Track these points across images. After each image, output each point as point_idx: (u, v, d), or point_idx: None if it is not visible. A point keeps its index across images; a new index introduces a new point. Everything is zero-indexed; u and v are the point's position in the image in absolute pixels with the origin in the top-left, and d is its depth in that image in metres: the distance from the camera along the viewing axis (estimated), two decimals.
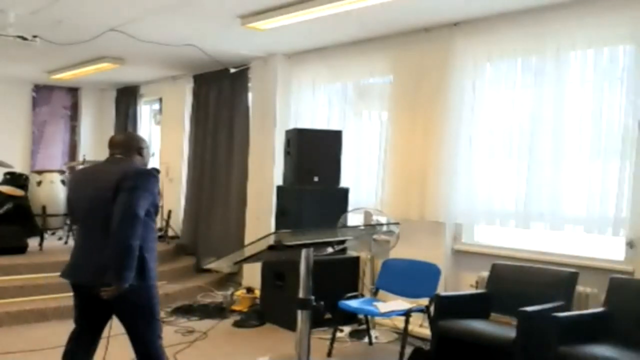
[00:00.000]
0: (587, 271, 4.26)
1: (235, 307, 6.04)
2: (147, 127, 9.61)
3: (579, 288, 4.23)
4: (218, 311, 5.95)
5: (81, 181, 3.38)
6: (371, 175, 5.94)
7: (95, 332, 3.37)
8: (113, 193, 3.05)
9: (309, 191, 5.60)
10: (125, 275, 2.95)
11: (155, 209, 3.23)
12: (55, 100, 9.92)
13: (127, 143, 3.38)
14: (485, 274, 4.70)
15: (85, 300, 3.28)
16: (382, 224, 5.30)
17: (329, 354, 4.77)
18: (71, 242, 7.27)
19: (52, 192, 7.49)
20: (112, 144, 3.38)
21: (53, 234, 7.77)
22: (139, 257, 3.04)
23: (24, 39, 5.39)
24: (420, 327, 5.05)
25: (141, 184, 3.09)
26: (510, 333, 3.86)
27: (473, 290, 4.84)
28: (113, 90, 9.77)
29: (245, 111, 7.21)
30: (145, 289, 3.14)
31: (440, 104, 5.15)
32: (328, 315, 4.59)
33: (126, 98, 9.53)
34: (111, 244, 2.99)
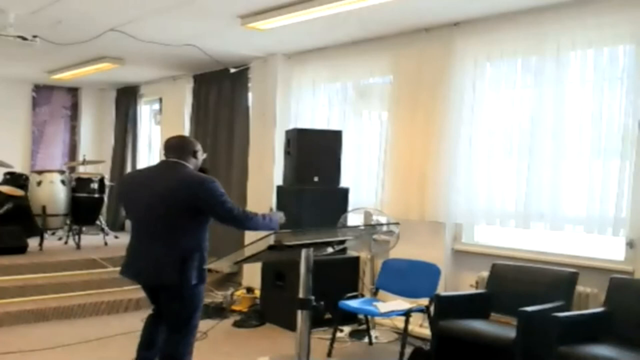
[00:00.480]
0: (587, 271, 4.26)
1: (235, 307, 6.03)
2: (147, 127, 9.61)
3: (579, 288, 4.23)
4: (218, 311, 5.94)
5: (135, 184, 3.55)
6: (371, 175, 5.94)
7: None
8: (173, 201, 3.28)
9: (309, 191, 5.60)
10: None
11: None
12: (55, 100, 9.92)
13: (181, 146, 3.53)
14: (485, 274, 4.70)
15: (149, 290, 3.64)
16: (382, 224, 5.30)
17: (329, 354, 4.77)
18: (71, 242, 7.29)
19: (52, 192, 7.48)
20: (167, 147, 3.54)
21: (53, 234, 7.77)
22: (201, 257, 3.38)
23: (24, 39, 5.39)
24: (420, 327, 5.05)
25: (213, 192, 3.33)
26: (510, 333, 3.86)
27: (473, 290, 4.84)
28: (113, 90, 9.77)
29: (245, 111, 7.21)
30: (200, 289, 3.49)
31: (440, 104, 5.15)
32: (328, 315, 4.59)
33: (126, 98, 9.53)
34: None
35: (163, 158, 3.54)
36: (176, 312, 3.43)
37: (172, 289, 3.36)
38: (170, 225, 3.30)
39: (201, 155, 3.62)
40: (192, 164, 3.50)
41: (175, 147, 3.52)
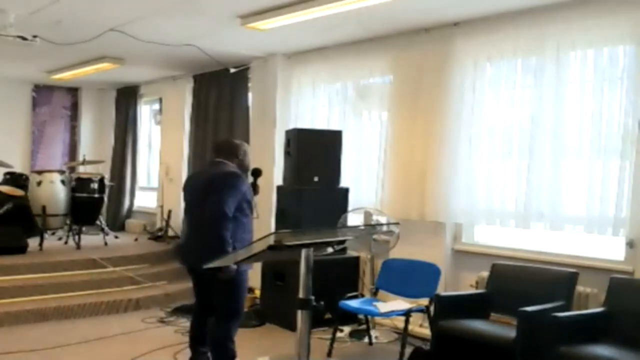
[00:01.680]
0: (587, 271, 4.26)
1: None
2: (147, 127, 9.61)
3: (579, 288, 4.23)
4: None
5: (190, 182, 4.14)
6: (371, 175, 5.94)
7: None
8: (203, 194, 3.69)
9: (309, 191, 5.59)
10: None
11: (247, 204, 3.76)
12: (55, 100, 9.92)
13: (224, 148, 3.97)
14: (485, 274, 4.70)
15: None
16: (382, 224, 5.30)
17: (329, 354, 4.77)
18: (71, 242, 7.28)
19: (52, 192, 7.48)
20: (213, 149, 4.07)
21: (53, 234, 7.77)
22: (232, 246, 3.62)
23: (24, 39, 5.39)
24: (420, 327, 5.06)
25: (227, 184, 3.67)
26: (510, 333, 3.86)
27: (473, 290, 4.84)
28: (113, 90, 9.77)
29: (245, 111, 7.21)
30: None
31: (440, 104, 5.15)
32: (328, 315, 4.59)
33: (126, 98, 9.53)
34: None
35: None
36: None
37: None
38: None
39: (245, 155, 3.96)
40: (235, 164, 3.88)
41: (219, 148, 3.99)
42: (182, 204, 8.48)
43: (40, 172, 7.75)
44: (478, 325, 4.16)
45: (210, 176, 3.80)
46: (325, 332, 5.08)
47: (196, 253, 3.69)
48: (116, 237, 8.03)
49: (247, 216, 3.79)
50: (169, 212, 8.00)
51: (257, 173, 4.17)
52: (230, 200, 3.63)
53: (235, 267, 3.60)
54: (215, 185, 3.69)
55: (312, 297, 2.82)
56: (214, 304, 3.90)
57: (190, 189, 3.98)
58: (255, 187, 4.08)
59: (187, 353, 4.72)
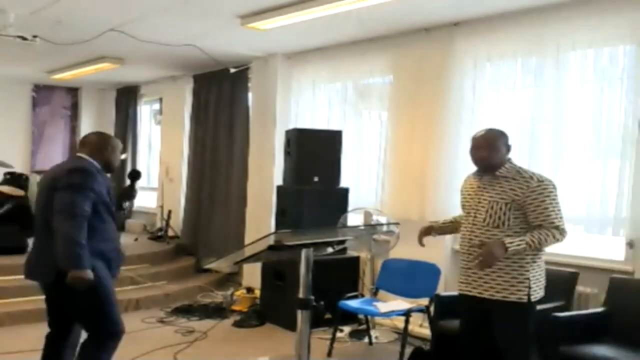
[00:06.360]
0: (587, 271, 4.26)
1: (235, 307, 6.03)
2: (147, 127, 9.61)
3: (579, 288, 4.23)
4: (218, 311, 5.94)
5: (40, 182, 3.46)
6: (371, 175, 5.94)
7: None
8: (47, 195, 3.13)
9: (309, 191, 5.59)
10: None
11: (104, 207, 3.20)
12: (55, 100, 9.92)
13: (89, 141, 3.38)
14: None
15: None
16: (382, 224, 5.30)
17: (329, 354, 4.77)
18: None
19: None
20: (79, 142, 3.42)
21: None
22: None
23: (24, 39, 5.39)
24: (420, 327, 5.05)
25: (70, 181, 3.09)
26: None
27: None
28: (113, 90, 9.77)
29: (245, 111, 7.21)
30: None
31: (440, 104, 5.14)
32: (328, 315, 4.59)
33: (126, 98, 9.53)
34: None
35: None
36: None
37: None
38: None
39: (112, 152, 3.37)
40: (98, 160, 3.29)
41: (85, 141, 3.40)
42: (183, 204, 8.50)
43: (40, 172, 7.74)
44: None
45: (54, 173, 3.23)
46: (325, 332, 5.08)
47: (39, 264, 3.18)
48: None
49: (104, 222, 3.19)
50: (169, 212, 7.99)
51: (135, 175, 3.67)
52: (79, 198, 3.03)
53: (90, 271, 2.99)
54: (57, 182, 3.09)
55: (312, 297, 2.83)
56: (72, 326, 3.31)
57: (38, 189, 3.34)
58: (131, 191, 3.62)
59: (187, 353, 4.74)
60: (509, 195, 3.21)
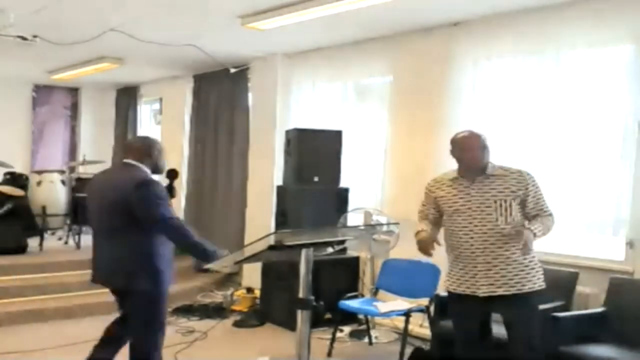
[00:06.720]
0: (587, 271, 4.26)
1: (235, 307, 6.04)
2: (147, 127, 9.60)
3: (579, 288, 4.22)
4: (218, 311, 5.95)
5: (93, 188, 3.51)
6: (371, 175, 5.94)
7: None
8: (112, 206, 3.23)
9: (309, 191, 5.59)
10: None
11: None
12: (55, 100, 9.92)
13: (135, 146, 3.44)
14: None
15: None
16: (382, 224, 5.30)
17: (329, 354, 4.77)
18: (71, 242, 7.28)
19: (52, 192, 7.48)
20: (123, 148, 3.51)
21: (53, 234, 7.77)
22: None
23: (24, 39, 5.39)
24: (420, 327, 5.04)
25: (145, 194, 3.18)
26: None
27: None
28: (113, 90, 9.77)
29: (245, 111, 7.21)
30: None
31: (440, 104, 5.14)
32: (328, 315, 4.59)
33: (126, 98, 9.53)
34: None
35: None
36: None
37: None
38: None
39: (159, 155, 3.43)
40: (148, 165, 3.36)
41: (130, 147, 3.47)
42: (183, 204, 8.49)
43: (40, 172, 7.76)
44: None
45: (112, 185, 3.29)
46: (325, 332, 5.07)
47: (110, 270, 3.37)
48: None
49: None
50: None
51: (173, 175, 3.74)
52: (163, 210, 3.25)
53: (217, 249, 3.27)
54: (124, 195, 3.16)
55: (312, 297, 2.83)
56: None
57: (94, 196, 3.41)
58: (171, 190, 3.64)
59: (187, 353, 4.74)
60: (512, 190, 3.28)
